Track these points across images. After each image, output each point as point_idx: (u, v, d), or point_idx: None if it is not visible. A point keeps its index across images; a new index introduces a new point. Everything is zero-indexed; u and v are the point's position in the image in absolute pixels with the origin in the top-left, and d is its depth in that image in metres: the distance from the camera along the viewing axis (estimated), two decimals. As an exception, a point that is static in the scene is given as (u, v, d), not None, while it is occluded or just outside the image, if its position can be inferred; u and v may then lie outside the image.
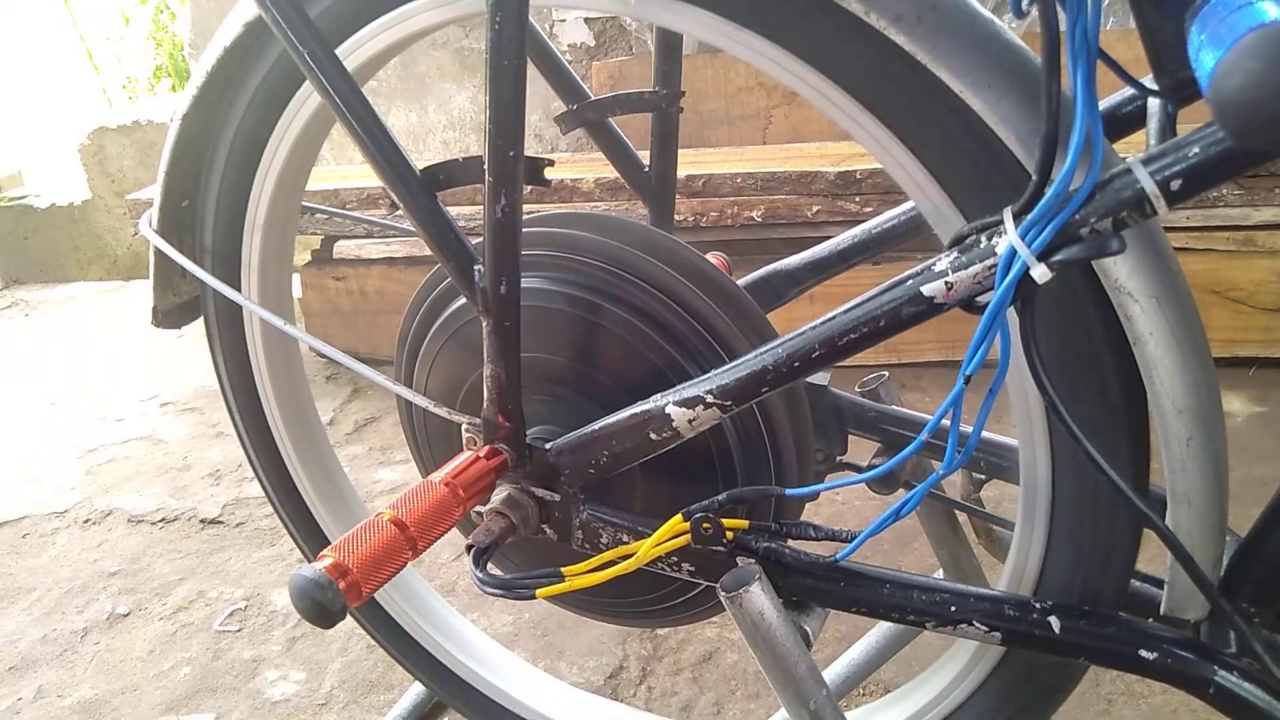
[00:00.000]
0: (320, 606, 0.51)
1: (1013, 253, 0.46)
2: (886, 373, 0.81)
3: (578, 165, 2.04)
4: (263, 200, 0.80)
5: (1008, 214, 0.47)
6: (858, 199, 1.78)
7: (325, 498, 0.94)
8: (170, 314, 0.90)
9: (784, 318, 0.72)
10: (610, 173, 1.79)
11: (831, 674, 1.03)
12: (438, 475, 0.60)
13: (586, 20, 2.36)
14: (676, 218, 0.93)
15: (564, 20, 2.37)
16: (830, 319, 0.53)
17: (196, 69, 0.76)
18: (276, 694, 1.20)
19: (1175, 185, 0.42)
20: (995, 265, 0.47)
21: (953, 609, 0.58)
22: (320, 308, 2.09)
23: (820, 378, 0.80)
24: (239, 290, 0.83)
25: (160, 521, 1.61)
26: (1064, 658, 0.62)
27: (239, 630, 1.32)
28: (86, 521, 1.63)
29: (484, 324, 0.61)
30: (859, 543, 0.57)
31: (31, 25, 4.70)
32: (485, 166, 0.56)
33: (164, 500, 1.67)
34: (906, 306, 0.50)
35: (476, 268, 0.60)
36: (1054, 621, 0.57)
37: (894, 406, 0.79)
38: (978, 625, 0.57)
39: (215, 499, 1.66)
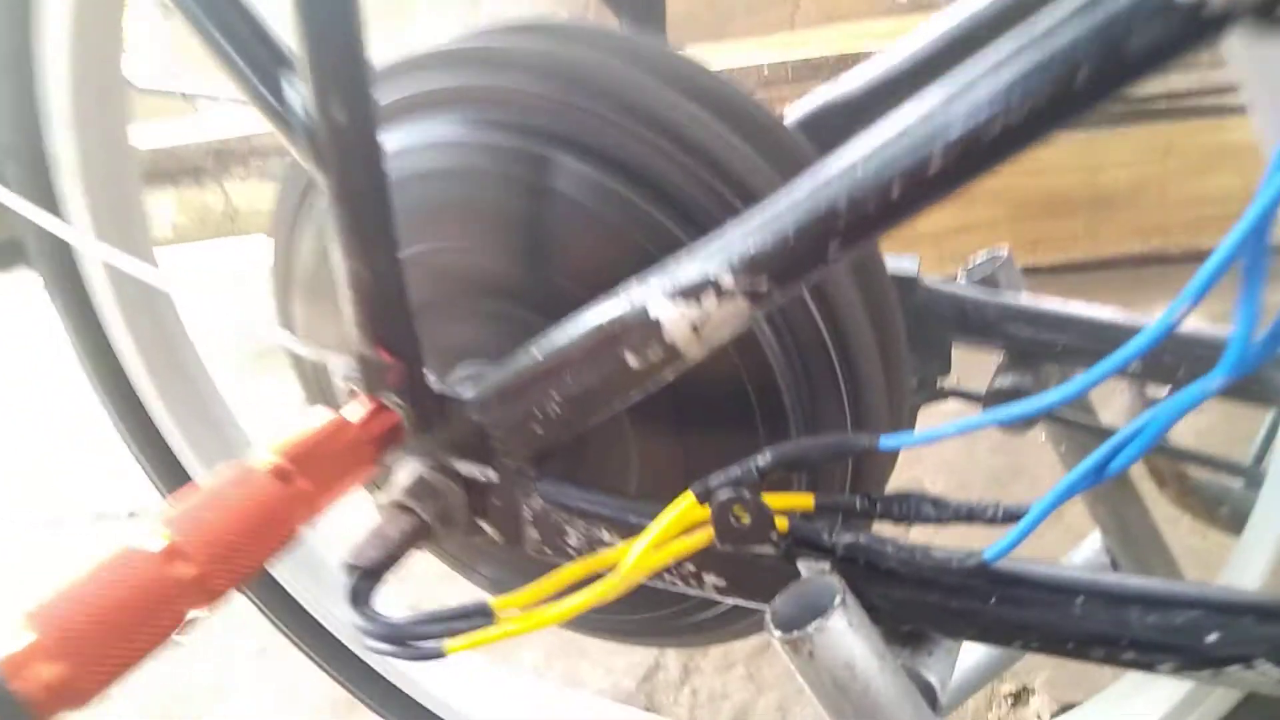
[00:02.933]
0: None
1: None
2: (1005, 249, 0.54)
3: None
4: (59, 67, 0.54)
5: None
6: (913, 78, 1.47)
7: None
8: None
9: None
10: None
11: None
12: (262, 456, 0.34)
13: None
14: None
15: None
16: (955, 79, 0.26)
17: None
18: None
19: None
20: None
21: (1212, 637, 0.31)
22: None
23: (908, 266, 0.52)
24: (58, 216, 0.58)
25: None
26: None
27: None
28: None
29: (320, 183, 0.34)
30: (1032, 524, 0.30)
31: None
32: None
33: None
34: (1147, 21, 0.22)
35: (288, 78, 0.33)
36: None
37: (1023, 297, 0.52)
38: (1269, 667, 0.30)
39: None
